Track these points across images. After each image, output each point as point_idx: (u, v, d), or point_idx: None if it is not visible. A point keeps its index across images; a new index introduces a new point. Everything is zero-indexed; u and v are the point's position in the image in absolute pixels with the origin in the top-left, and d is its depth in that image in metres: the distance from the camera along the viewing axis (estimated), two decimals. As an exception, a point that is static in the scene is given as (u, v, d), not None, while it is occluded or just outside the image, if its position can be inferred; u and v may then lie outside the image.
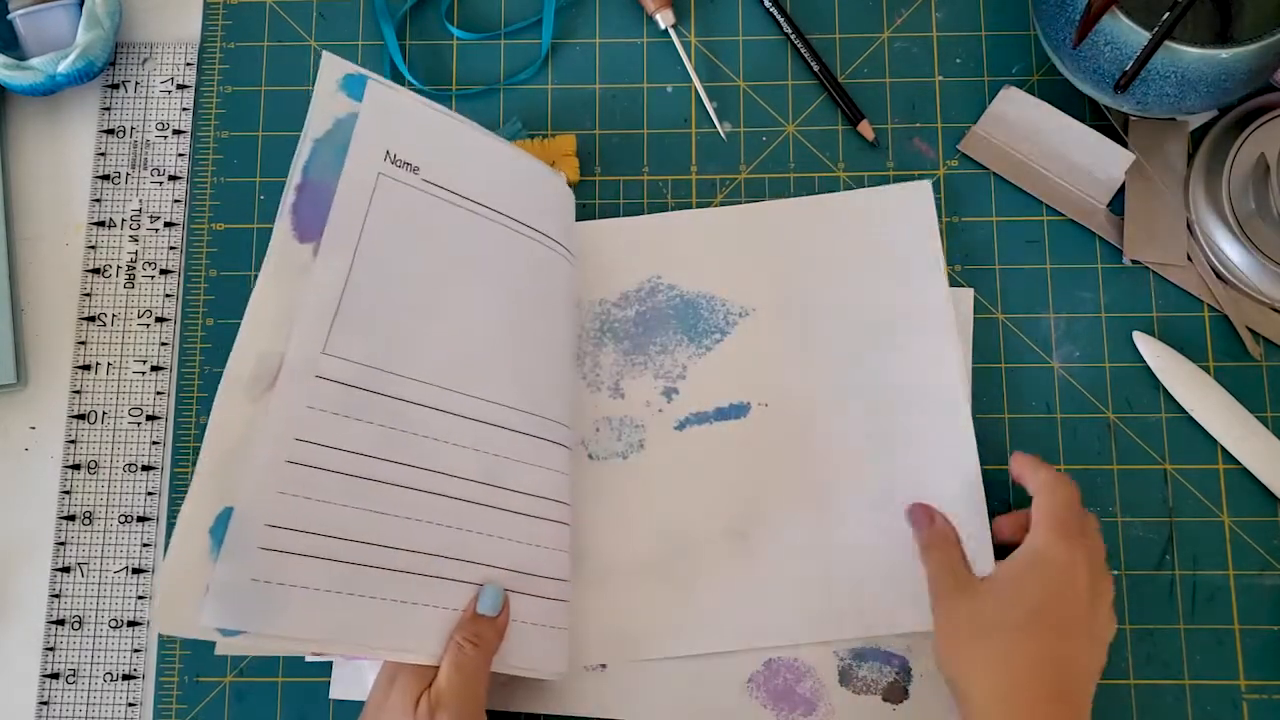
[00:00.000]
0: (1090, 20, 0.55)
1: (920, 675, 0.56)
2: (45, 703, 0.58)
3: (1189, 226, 0.61)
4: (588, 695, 0.56)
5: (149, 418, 0.61)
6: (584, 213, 0.63)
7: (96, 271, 0.63)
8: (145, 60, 0.66)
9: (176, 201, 0.64)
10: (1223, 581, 0.58)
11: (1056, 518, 0.51)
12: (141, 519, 0.60)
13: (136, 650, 0.58)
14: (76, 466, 0.61)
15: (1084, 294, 0.61)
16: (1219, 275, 0.61)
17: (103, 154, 0.65)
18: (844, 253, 0.61)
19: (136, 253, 0.63)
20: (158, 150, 0.65)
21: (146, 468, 0.61)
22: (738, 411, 0.59)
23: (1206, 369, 0.60)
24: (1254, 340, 0.60)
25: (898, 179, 0.63)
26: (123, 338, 0.62)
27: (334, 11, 0.66)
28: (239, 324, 0.49)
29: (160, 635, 0.58)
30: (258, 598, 0.45)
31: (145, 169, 0.64)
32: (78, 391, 0.61)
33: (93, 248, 0.63)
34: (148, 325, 0.62)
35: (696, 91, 0.64)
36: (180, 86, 0.66)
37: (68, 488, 0.60)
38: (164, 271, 0.63)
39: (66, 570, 0.59)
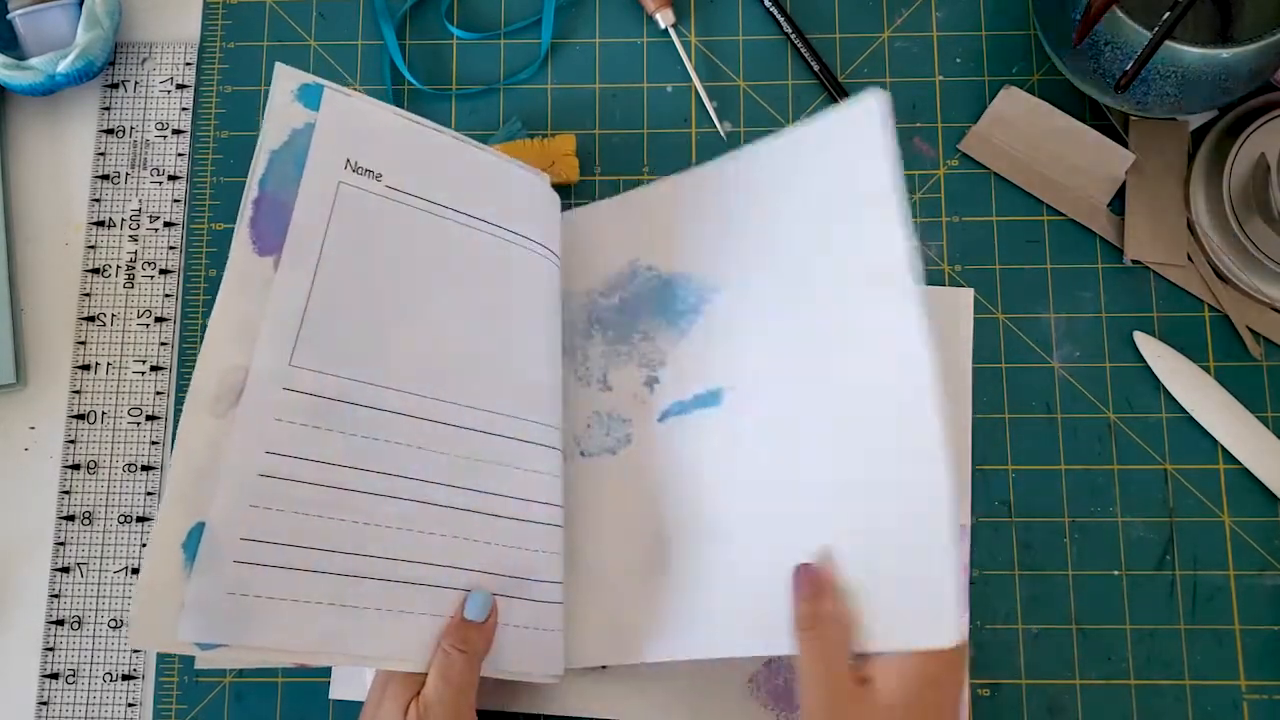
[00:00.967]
0: (1090, 20, 0.55)
1: (920, 675, 0.56)
2: (45, 703, 0.58)
3: (1189, 226, 0.61)
4: (588, 695, 0.56)
5: (148, 418, 0.61)
6: (584, 213, 0.63)
7: (96, 271, 0.63)
8: (145, 60, 0.66)
9: (176, 201, 0.64)
10: (1223, 581, 0.58)
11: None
12: (141, 519, 0.60)
13: (136, 650, 0.58)
14: (76, 466, 0.61)
15: (1084, 294, 0.61)
16: (1219, 275, 0.61)
17: (102, 154, 0.65)
18: (787, 205, 0.54)
19: (136, 253, 0.63)
20: (157, 150, 0.65)
21: (146, 468, 0.61)
22: (713, 399, 0.56)
23: (1207, 369, 0.60)
24: (1254, 340, 0.60)
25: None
26: (122, 338, 0.62)
27: (334, 11, 0.66)
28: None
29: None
30: (235, 610, 0.45)
31: (145, 169, 0.64)
32: (77, 391, 0.61)
33: (92, 248, 0.63)
34: (147, 325, 0.62)
35: (696, 91, 0.64)
36: (180, 86, 0.66)
37: (67, 488, 0.60)
38: (164, 271, 0.63)
39: (66, 570, 0.59)
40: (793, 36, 0.64)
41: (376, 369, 0.50)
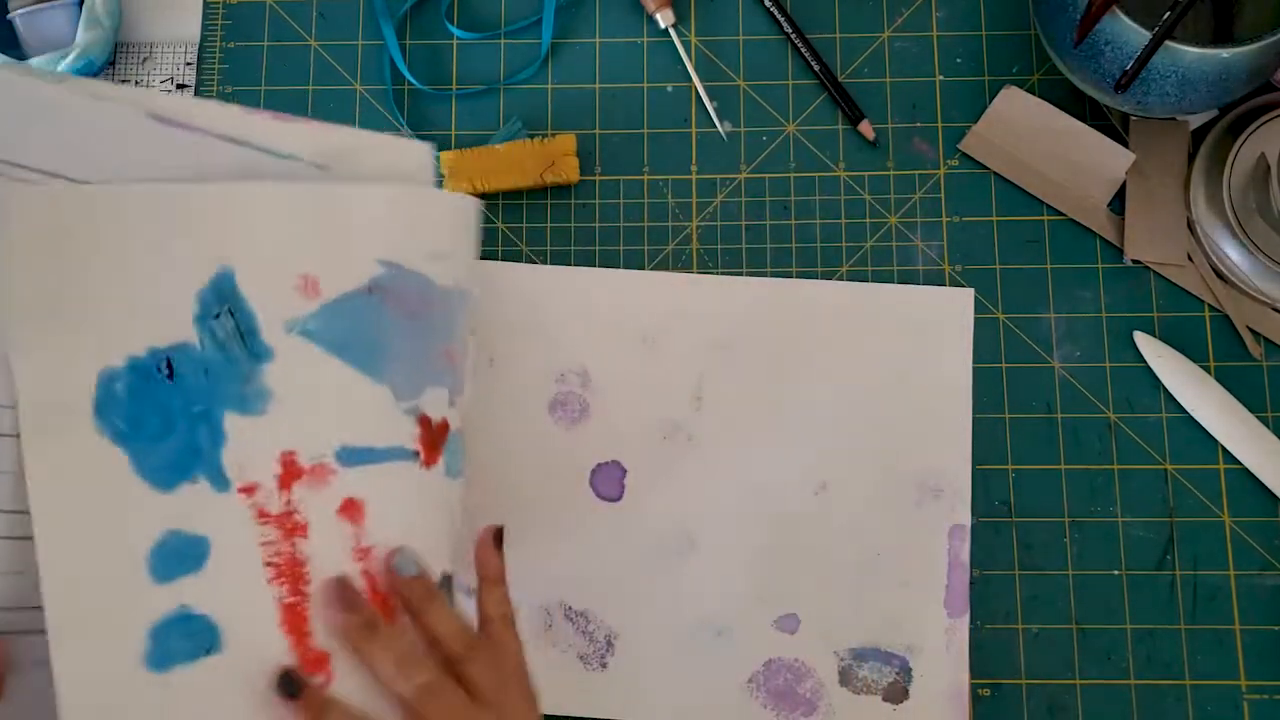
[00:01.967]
0: (1090, 20, 0.55)
1: (920, 675, 0.56)
2: (44, 703, 0.58)
3: (1189, 226, 0.61)
4: (588, 695, 0.56)
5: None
6: (584, 213, 0.63)
7: (96, 271, 0.63)
8: (145, 60, 0.66)
9: (176, 201, 0.64)
10: (1223, 581, 0.58)
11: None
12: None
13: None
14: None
15: (1084, 294, 0.61)
16: (1219, 275, 0.61)
17: (102, 154, 0.65)
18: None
19: (136, 252, 0.63)
20: (157, 150, 0.65)
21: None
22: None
23: (1207, 369, 0.60)
24: (1254, 340, 0.60)
25: (898, 179, 0.63)
26: (122, 337, 0.62)
27: (334, 11, 0.66)
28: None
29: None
30: None
31: (145, 169, 0.64)
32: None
33: (92, 247, 0.63)
34: (147, 325, 0.62)
35: (696, 91, 0.64)
36: (180, 86, 0.66)
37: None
38: (164, 271, 0.63)
39: (66, 570, 0.59)
40: (793, 36, 0.64)
41: None
